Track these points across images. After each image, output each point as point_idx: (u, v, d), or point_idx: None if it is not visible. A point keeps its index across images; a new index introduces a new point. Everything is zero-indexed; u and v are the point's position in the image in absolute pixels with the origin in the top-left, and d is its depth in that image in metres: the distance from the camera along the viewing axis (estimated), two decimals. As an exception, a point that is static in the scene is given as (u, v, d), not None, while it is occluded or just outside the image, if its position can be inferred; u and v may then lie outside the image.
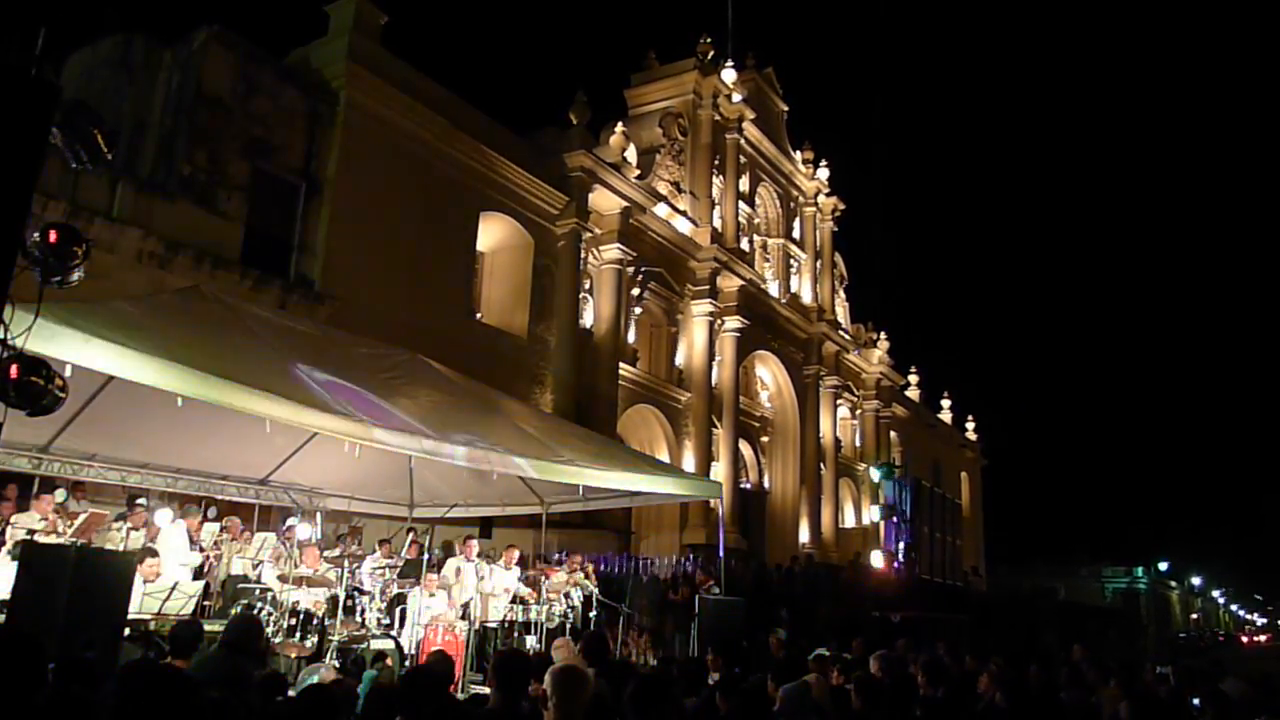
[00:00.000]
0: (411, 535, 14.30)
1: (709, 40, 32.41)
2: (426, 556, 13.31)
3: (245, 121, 18.05)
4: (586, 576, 14.99)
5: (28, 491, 10.82)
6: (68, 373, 5.98)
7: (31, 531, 9.52)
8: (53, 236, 4.94)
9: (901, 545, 22.84)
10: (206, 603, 11.19)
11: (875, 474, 25.77)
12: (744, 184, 34.46)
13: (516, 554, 14.33)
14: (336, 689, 5.59)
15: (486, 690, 5.26)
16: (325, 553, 12.69)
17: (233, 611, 10.38)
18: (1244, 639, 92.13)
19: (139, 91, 17.73)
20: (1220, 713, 5.95)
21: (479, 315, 24.08)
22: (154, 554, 10.00)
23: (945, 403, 54.33)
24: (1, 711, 3.18)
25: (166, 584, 9.74)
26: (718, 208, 32.13)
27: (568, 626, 13.43)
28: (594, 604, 14.20)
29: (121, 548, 9.89)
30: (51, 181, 12.80)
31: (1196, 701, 6.82)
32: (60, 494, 11.09)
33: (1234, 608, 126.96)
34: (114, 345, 7.15)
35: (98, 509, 11.19)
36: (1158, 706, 5.15)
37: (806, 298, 38.29)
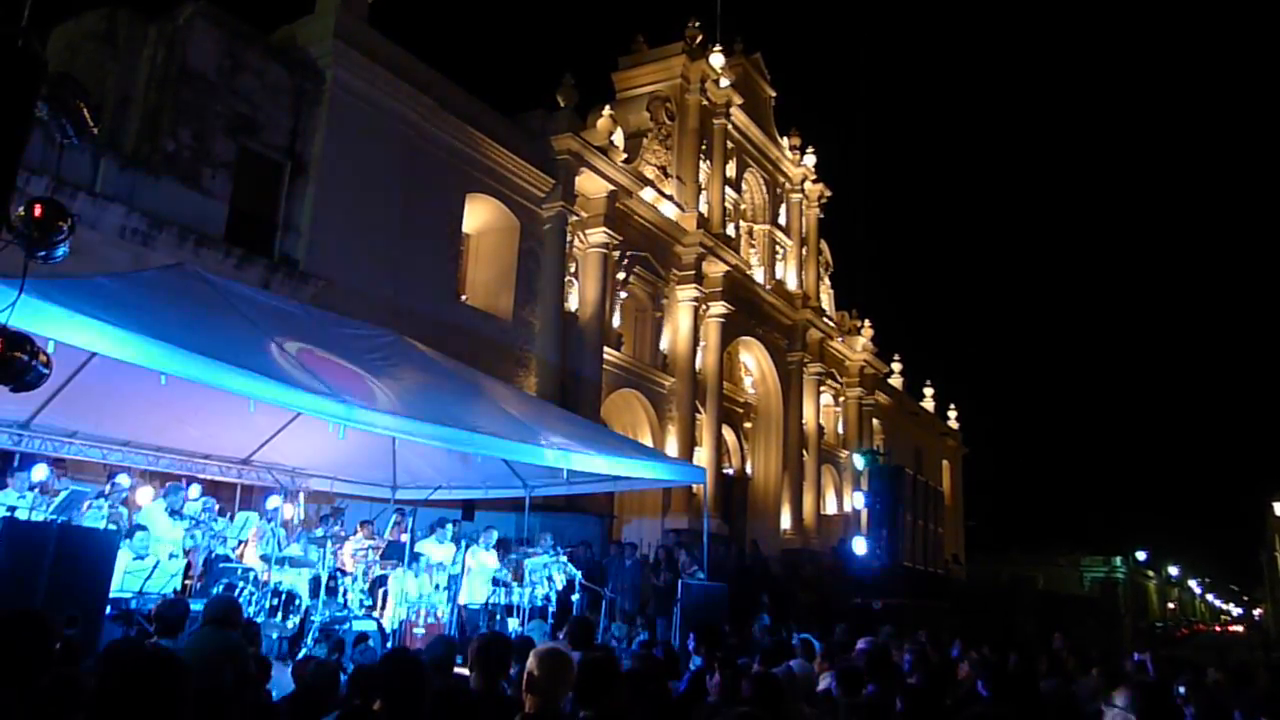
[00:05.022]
0: (395, 517, 14.27)
1: (697, 25, 32.29)
2: (410, 538, 13.27)
3: (230, 99, 17.89)
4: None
5: (8, 468, 10.77)
6: (50, 349, 5.93)
7: (12, 509, 9.46)
8: (38, 211, 4.89)
9: (884, 532, 22.90)
10: (188, 581, 11.16)
11: (858, 461, 25.85)
12: (731, 169, 34.41)
13: (495, 534, 14.32)
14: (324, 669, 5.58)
15: (465, 673, 5.25)
16: (308, 533, 12.67)
17: (214, 591, 10.36)
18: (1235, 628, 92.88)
19: (123, 66, 17.53)
20: (1203, 700, 6.01)
21: (464, 297, 23.99)
22: (142, 529, 9.97)
23: (928, 391, 54.52)
24: (9, 691, 3.13)
25: (149, 562, 9.72)
26: (704, 193, 32.07)
27: (550, 610, 13.45)
28: (576, 587, 14.21)
29: (103, 526, 9.84)
30: (34, 156, 12.68)
31: (1181, 690, 6.89)
32: (41, 471, 11.02)
33: (1210, 597, 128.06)
34: (97, 322, 7.11)
35: (79, 486, 11.14)
36: (1154, 693, 5.18)
37: (791, 284, 38.29)
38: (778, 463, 36.12)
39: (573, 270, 26.20)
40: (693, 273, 30.55)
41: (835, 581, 25.46)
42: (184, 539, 11.26)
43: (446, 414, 10.07)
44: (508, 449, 10.85)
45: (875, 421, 45.40)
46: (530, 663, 4.01)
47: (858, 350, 43.11)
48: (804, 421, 37.79)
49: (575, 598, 14.04)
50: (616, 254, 27.26)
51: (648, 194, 28.96)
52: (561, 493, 15.65)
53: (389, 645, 11.03)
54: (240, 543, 12.26)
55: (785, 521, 35.63)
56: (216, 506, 12.56)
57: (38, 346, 5.21)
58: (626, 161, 27.65)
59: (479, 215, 24.18)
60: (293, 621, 10.86)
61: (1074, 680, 9.30)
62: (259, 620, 9.95)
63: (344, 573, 12.10)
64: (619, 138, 27.68)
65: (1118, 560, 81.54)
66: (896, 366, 49.53)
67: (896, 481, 24.76)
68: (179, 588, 10.42)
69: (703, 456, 29.67)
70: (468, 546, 13.74)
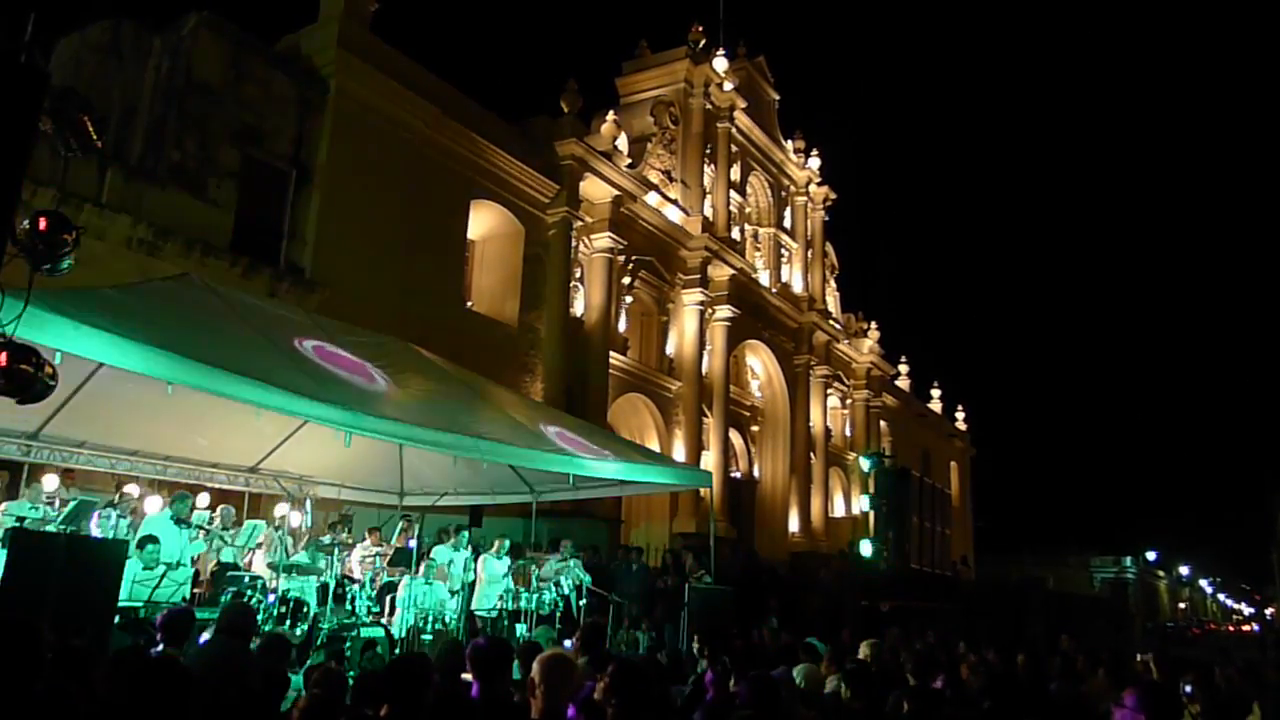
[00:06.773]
0: (402, 523, 14.29)
1: (701, 29, 32.30)
2: (416, 545, 13.29)
3: (235, 108, 17.96)
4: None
5: (17, 479, 10.82)
6: (57, 360, 5.96)
7: (21, 519, 9.50)
8: (43, 224, 4.92)
9: (890, 535, 22.84)
10: (196, 590, 11.18)
11: (863, 463, 25.79)
12: (735, 173, 34.43)
13: (508, 543, 14.33)
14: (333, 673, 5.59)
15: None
16: (315, 541, 12.68)
17: (222, 599, 10.38)
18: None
19: (128, 77, 17.61)
20: (1210, 699, 6.01)
21: (470, 304, 24.04)
22: (154, 540, 9.99)
23: (935, 392, 54.39)
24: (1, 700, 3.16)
25: (157, 571, 9.74)
26: (709, 197, 32.07)
27: (558, 615, 13.43)
28: (584, 593, 14.20)
29: (111, 535, 9.87)
30: (40, 168, 12.72)
31: (1189, 689, 6.88)
32: (50, 481, 11.07)
33: (1221, 597, 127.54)
34: (104, 332, 7.14)
35: (87, 496, 11.18)
36: (1160, 693, 5.18)
37: (797, 287, 38.29)
38: (785, 466, 36.11)
39: (578, 275, 26.24)
40: (698, 277, 30.55)
41: (843, 584, 25.40)
42: (192, 547, 11.28)
43: (453, 420, 10.10)
44: (514, 455, 10.87)
45: (882, 424, 45.32)
46: (534, 668, 4.03)
47: (864, 352, 43.07)
48: (811, 424, 37.75)
49: (581, 603, 14.04)
50: (621, 259, 27.29)
51: (652, 198, 28.98)
52: (568, 498, 15.64)
53: (397, 652, 11.04)
54: (248, 551, 12.29)
55: (793, 524, 35.60)
56: (234, 514, 12.60)
57: (43, 358, 5.24)
58: (631, 166, 27.67)
59: (484, 221, 24.22)
60: (301, 629, 10.87)
61: (1083, 681, 9.29)
62: (266, 628, 9.96)
63: (351, 580, 12.11)
64: (623, 143, 27.70)
65: (1128, 560, 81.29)
66: (903, 368, 49.47)
67: (902, 483, 24.70)
68: (187, 596, 10.44)
69: (710, 460, 29.66)
70: (479, 553, 13.76)
